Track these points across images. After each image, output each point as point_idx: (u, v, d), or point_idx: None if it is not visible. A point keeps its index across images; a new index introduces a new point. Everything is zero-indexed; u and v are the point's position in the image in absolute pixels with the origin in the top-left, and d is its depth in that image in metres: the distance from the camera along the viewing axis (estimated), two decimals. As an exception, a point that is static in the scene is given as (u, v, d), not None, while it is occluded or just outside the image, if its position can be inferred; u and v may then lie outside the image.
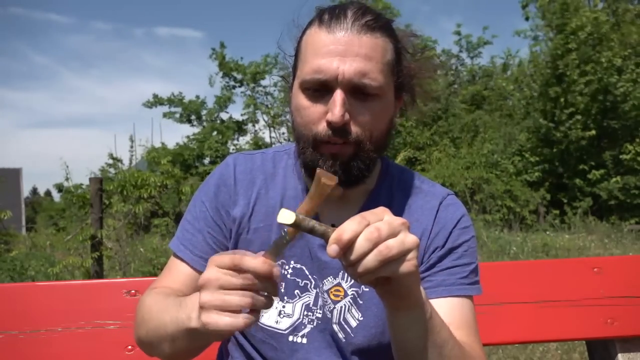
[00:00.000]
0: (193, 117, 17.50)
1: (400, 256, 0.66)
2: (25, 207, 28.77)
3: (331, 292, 0.97)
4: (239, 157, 1.05)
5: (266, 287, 0.68)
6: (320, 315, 0.97)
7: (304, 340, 0.96)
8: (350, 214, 0.68)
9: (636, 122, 15.31)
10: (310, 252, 0.97)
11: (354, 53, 0.85)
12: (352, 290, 0.97)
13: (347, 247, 0.64)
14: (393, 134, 1.02)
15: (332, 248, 0.64)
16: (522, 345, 3.61)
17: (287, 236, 0.68)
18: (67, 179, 6.38)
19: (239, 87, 17.23)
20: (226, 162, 1.04)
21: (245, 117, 16.93)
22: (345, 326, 0.96)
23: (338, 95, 0.85)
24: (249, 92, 16.91)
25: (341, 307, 0.96)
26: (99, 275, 4.96)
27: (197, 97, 17.41)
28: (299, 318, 0.97)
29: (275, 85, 15.91)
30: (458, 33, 19.29)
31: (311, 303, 0.97)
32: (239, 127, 16.95)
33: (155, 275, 5.28)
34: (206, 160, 16.79)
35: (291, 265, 0.98)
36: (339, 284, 0.97)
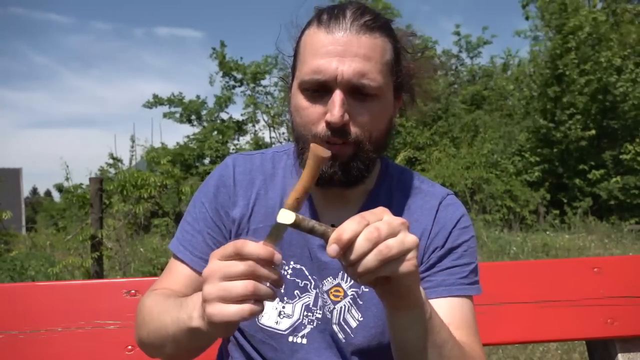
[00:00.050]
0: (193, 117, 17.50)
1: (400, 256, 0.66)
2: (25, 207, 28.77)
3: (331, 292, 0.97)
4: (238, 157, 1.05)
5: (268, 275, 0.68)
6: (320, 316, 0.97)
7: (304, 341, 0.96)
8: (350, 214, 0.68)
9: (636, 122, 15.31)
10: (310, 252, 0.97)
11: (353, 53, 0.85)
12: (352, 291, 0.97)
13: (347, 247, 0.64)
14: (393, 134, 1.02)
15: (332, 248, 0.64)
16: (522, 345, 3.61)
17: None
18: (67, 179, 6.38)
19: (239, 86, 17.24)
20: (225, 162, 1.04)
21: (245, 117, 16.94)
22: (345, 326, 0.96)
23: (337, 96, 0.85)
24: (249, 92, 16.91)
25: (341, 307, 0.96)
26: (99, 275, 4.96)
27: (198, 97, 17.41)
28: (298, 318, 0.97)
29: (275, 85, 15.93)
30: (457, 33, 19.31)
31: (311, 303, 0.97)
32: (239, 127, 16.95)
33: (155, 275, 5.28)
34: (206, 160, 16.79)
35: (291, 266, 0.98)
36: (338, 285, 0.97)
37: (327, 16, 0.88)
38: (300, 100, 0.90)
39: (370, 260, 0.64)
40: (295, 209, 0.68)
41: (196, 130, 17.54)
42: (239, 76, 16.96)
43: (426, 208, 1.00)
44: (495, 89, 18.30)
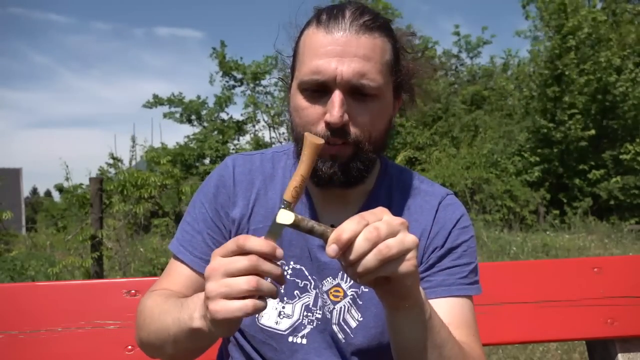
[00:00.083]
0: (193, 117, 17.49)
1: (400, 256, 0.66)
2: (25, 207, 28.76)
3: (331, 292, 0.97)
4: (238, 158, 1.04)
5: (271, 269, 0.68)
6: (319, 316, 0.97)
7: (304, 341, 0.96)
8: (350, 215, 0.68)
9: (636, 122, 15.32)
10: (309, 252, 0.97)
11: (352, 54, 0.85)
12: (352, 291, 0.97)
13: (347, 246, 0.64)
14: (392, 134, 1.03)
15: (332, 248, 0.64)
16: (522, 345, 3.61)
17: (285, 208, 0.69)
18: (67, 179, 6.38)
19: (239, 86, 17.24)
20: (225, 163, 1.04)
21: (245, 116, 16.93)
22: (345, 327, 0.96)
23: (336, 96, 0.85)
24: (249, 92, 16.90)
25: (341, 307, 0.96)
26: (99, 275, 4.96)
27: (198, 97, 17.41)
28: (298, 319, 0.97)
29: (275, 84, 15.92)
30: (457, 34, 19.30)
31: (311, 304, 0.97)
32: (239, 127, 16.94)
33: (156, 275, 5.28)
34: (206, 160, 16.78)
35: (291, 266, 0.98)
36: (338, 285, 0.97)
37: (326, 16, 0.88)
38: (299, 100, 0.90)
39: (369, 260, 0.64)
40: (294, 198, 0.69)
41: (196, 130, 17.55)
42: (239, 76, 16.96)
43: (426, 208, 1.00)
44: (496, 89, 18.30)
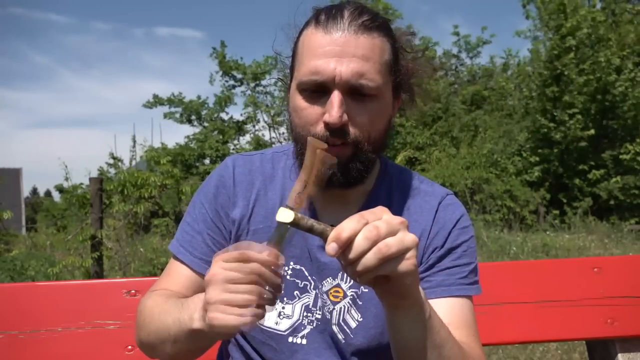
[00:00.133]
0: (193, 117, 17.49)
1: (400, 254, 0.66)
2: (25, 207, 28.76)
3: (330, 293, 0.97)
4: (238, 158, 1.04)
5: (272, 279, 0.68)
6: (319, 316, 0.97)
7: (304, 341, 0.96)
8: (349, 215, 0.68)
9: (635, 122, 15.31)
10: (309, 253, 0.97)
11: (351, 54, 0.85)
12: (352, 291, 0.97)
13: (346, 245, 0.64)
14: (392, 134, 1.02)
15: (331, 246, 0.64)
16: (522, 345, 3.61)
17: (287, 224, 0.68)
18: (66, 179, 6.38)
19: (239, 86, 17.23)
20: (225, 163, 1.04)
21: (245, 116, 16.92)
22: (345, 327, 0.96)
23: (335, 97, 0.85)
24: (249, 92, 16.89)
25: (340, 308, 0.96)
26: (99, 275, 4.96)
27: (198, 97, 17.40)
28: (298, 319, 0.97)
29: (275, 84, 15.91)
30: (456, 34, 19.28)
31: (311, 304, 0.97)
32: (239, 128, 16.93)
33: (155, 275, 5.28)
34: (207, 160, 16.78)
35: (291, 267, 0.98)
36: (338, 285, 0.97)
37: (324, 16, 0.88)
38: (298, 101, 0.90)
39: (369, 259, 0.64)
40: (298, 204, 0.68)
41: (196, 130, 17.55)
42: (239, 76, 16.95)
43: (426, 208, 1.00)
44: (496, 89, 18.29)
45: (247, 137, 17.03)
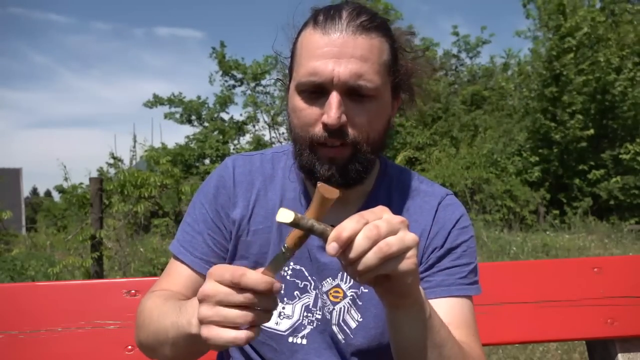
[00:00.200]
0: (193, 117, 17.48)
1: (400, 254, 0.66)
2: (25, 207, 28.76)
3: (330, 293, 0.97)
4: (238, 158, 1.04)
5: (266, 303, 0.67)
6: (319, 317, 0.97)
7: (304, 342, 0.96)
8: (349, 215, 0.68)
9: (635, 122, 15.31)
10: (309, 253, 0.97)
11: (349, 54, 0.85)
12: (351, 292, 0.97)
13: (347, 244, 0.64)
14: (391, 134, 1.02)
15: (332, 246, 0.64)
16: (522, 345, 3.61)
17: (287, 252, 0.68)
18: (65, 179, 6.38)
19: (239, 86, 17.23)
20: (225, 163, 1.04)
21: (245, 116, 16.92)
22: (345, 327, 0.96)
23: (334, 98, 0.85)
24: (249, 92, 16.88)
25: (340, 308, 0.96)
26: (99, 275, 4.97)
27: (198, 97, 17.39)
28: (298, 319, 0.97)
29: (275, 84, 15.91)
30: (456, 34, 19.27)
31: (311, 304, 0.97)
32: (239, 128, 16.93)
33: (155, 275, 5.28)
34: (207, 160, 16.78)
35: (290, 267, 0.98)
36: (338, 285, 0.97)
37: (323, 17, 0.88)
38: (297, 101, 0.89)
39: (370, 258, 0.64)
40: (296, 246, 0.68)
41: (196, 130, 17.55)
42: (239, 75, 16.95)
43: (425, 208, 1.00)
44: (496, 89, 18.29)
45: (247, 137, 17.03)
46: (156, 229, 8.37)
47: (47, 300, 1.27)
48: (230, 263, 0.99)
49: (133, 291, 1.30)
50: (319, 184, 0.67)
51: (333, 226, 0.67)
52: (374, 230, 0.64)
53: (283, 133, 16.48)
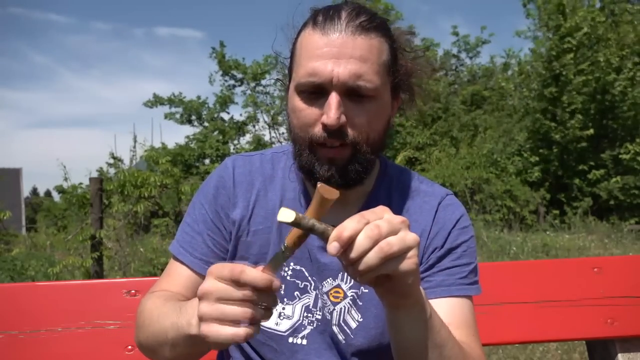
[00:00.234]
0: (194, 117, 17.48)
1: (401, 253, 0.66)
2: (25, 207, 28.76)
3: (331, 293, 0.97)
4: (238, 159, 1.04)
5: (265, 300, 0.68)
6: (320, 317, 0.97)
7: (304, 342, 0.96)
8: (349, 216, 0.68)
9: (635, 122, 15.31)
10: (309, 253, 0.97)
11: (348, 55, 0.85)
12: (352, 292, 0.97)
13: (348, 244, 0.64)
14: (391, 134, 1.02)
15: (333, 246, 0.64)
16: (522, 345, 3.61)
17: (286, 251, 0.68)
18: (65, 179, 6.38)
19: (239, 86, 17.22)
20: (225, 164, 1.04)
21: (245, 116, 16.92)
22: (345, 327, 0.96)
23: (333, 98, 0.85)
24: (249, 92, 16.88)
25: (341, 308, 0.96)
26: (99, 275, 4.97)
27: (198, 97, 17.39)
28: (298, 320, 0.97)
29: (275, 84, 15.90)
30: (455, 34, 19.26)
31: (311, 305, 0.97)
32: (239, 128, 16.92)
33: (155, 275, 5.27)
34: (207, 160, 16.77)
35: (291, 267, 0.98)
36: (338, 286, 0.97)
37: (322, 17, 0.88)
38: (296, 102, 0.89)
39: (371, 258, 0.64)
40: (295, 246, 0.68)
41: (197, 130, 17.54)
42: (239, 75, 16.95)
43: (425, 208, 1.00)
44: (496, 89, 18.28)
45: (248, 137, 17.02)
46: (156, 229, 8.37)
47: (47, 300, 1.27)
48: None
49: (133, 291, 1.30)
50: (319, 185, 0.67)
51: (334, 226, 0.67)
52: (375, 230, 0.64)
53: (283, 133, 16.47)
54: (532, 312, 1.42)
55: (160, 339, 0.84)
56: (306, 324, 0.97)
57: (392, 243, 0.64)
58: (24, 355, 1.23)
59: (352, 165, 0.90)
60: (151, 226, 8.83)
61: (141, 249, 6.38)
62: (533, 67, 16.41)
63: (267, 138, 16.49)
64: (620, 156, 14.88)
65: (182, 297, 0.94)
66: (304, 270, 0.98)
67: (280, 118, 16.05)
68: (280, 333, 0.96)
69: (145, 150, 13.02)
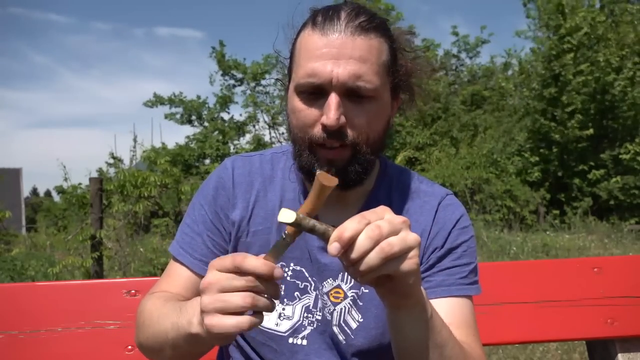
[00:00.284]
0: (194, 117, 17.48)
1: (402, 254, 0.66)
2: (25, 207, 28.77)
3: (331, 294, 0.97)
4: (237, 159, 1.04)
5: (267, 289, 0.68)
6: (320, 317, 0.97)
7: (304, 342, 0.96)
8: (349, 216, 0.68)
9: (635, 122, 15.31)
10: (309, 254, 0.97)
11: (348, 55, 0.84)
12: (352, 292, 0.97)
13: (349, 245, 0.64)
14: (391, 135, 1.03)
15: (334, 246, 0.64)
16: (522, 345, 3.61)
17: (287, 238, 0.68)
18: (65, 179, 6.39)
19: (239, 85, 17.22)
20: (224, 164, 1.04)
21: (245, 116, 16.91)
22: (345, 328, 0.96)
23: (333, 99, 0.85)
24: (249, 92, 16.87)
25: (341, 308, 0.96)
26: (99, 275, 4.97)
27: (198, 97, 17.39)
28: (299, 320, 0.97)
29: (275, 84, 15.88)
30: (455, 34, 19.25)
31: (311, 305, 0.97)
32: (239, 128, 16.92)
33: (156, 275, 5.27)
34: (207, 160, 16.77)
35: (291, 268, 0.98)
36: (338, 286, 0.97)
37: (321, 18, 0.88)
38: (296, 102, 0.89)
39: (372, 258, 0.64)
40: (296, 233, 0.68)
41: (197, 130, 17.54)
42: (239, 75, 16.94)
43: (426, 208, 1.00)
44: (496, 89, 18.28)
45: (248, 137, 17.02)
46: (156, 229, 8.37)
47: (47, 300, 1.27)
48: None
49: (133, 291, 1.30)
50: (318, 172, 0.69)
51: (334, 227, 0.67)
52: (376, 230, 0.64)
53: (283, 133, 16.47)
54: (532, 312, 1.42)
55: (160, 340, 0.84)
56: (306, 325, 0.97)
57: (393, 243, 0.64)
58: (24, 355, 1.23)
59: (352, 166, 0.89)
60: (151, 226, 8.83)
61: (141, 249, 6.38)
62: (533, 67, 16.41)
63: (267, 138, 16.49)
64: (620, 156, 14.88)
65: (182, 297, 0.94)
66: (304, 270, 0.97)
67: (280, 118, 16.04)
68: (280, 333, 0.96)
69: (144, 151, 13.02)
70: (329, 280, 0.97)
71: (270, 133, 16.67)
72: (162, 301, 0.90)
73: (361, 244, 0.64)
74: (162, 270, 1.04)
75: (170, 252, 1.02)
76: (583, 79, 14.73)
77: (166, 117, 17.33)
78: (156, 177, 5.67)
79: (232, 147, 16.73)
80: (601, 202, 14.76)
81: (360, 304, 0.96)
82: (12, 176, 26.38)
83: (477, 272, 1.00)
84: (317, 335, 0.96)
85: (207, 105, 17.32)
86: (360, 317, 0.96)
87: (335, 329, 0.96)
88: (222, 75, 17.01)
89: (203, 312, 0.68)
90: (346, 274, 0.94)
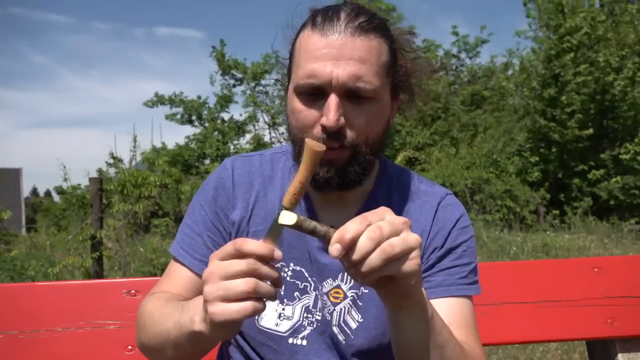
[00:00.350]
0: (194, 117, 17.48)
1: (404, 254, 0.66)
2: (25, 207, 28.77)
3: (331, 294, 0.97)
4: (237, 159, 1.04)
5: (269, 272, 0.68)
6: (319, 318, 0.97)
7: (304, 342, 0.96)
8: (349, 217, 0.68)
9: (635, 122, 15.31)
10: (309, 254, 0.97)
11: (348, 56, 0.84)
12: (352, 292, 0.96)
13: (350, 246, 0.64)
14: (390, 135, 1.03)
15: (335, 247, 0.64)
16: (522, 345, 3.61)
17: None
18: (65, 179, 6.38)
19: (239, 85, 17.21)
20: (224, 165, 1.04)
21: (245, 116, 16.91)
22: (345, 328, 0.96)
23: (332, 100, 0.85)
24: (249, 91, 16.86)
25: (341, 309, 0.96)
26: (99, 275, 4.97)
27: (199, 97, 17.38)
28: (298, 320, 0.97)
29: (275, 84, 15.86)
30: (455, 34, 19.24)
31: (311, 305, 0.97)
32: (239, 128, 16.91)
33: (156, 275, 5.27)
34: (207, 160, 16.77)
35: (290, 268, 0.98)
36: (338, 286, 0.97)
37: (321, 18, 0.87)
38: (295, 103, 0.89)
39: (373, 260, 0.64)
40: (292, 205, 0.69)
41: (197, 130, 17.53)
42: (239, 75, 16.94)
43: (425, 208, 1.00)
44: (496, 89, 18.28)
45: (247, 137, 17.02)
46: (156, 229, 8.36)
47: (47, 300, 1.27)
48: None
49: (133, 291, 1.30)
50: (307, 140, 0.70)
51: (335, 228, 0.67)
52: (377, 231, 0.64)
53: (283, 133, 16.47)
54: (532, 312, 1.42)
55: (162, 340, 0.84)
56: (306, 325, 0.97)
57: (395, 244, 0.64)
58: (24, 355, 1.23)
59: (351, 166, 0.89)
60: (151, 226, 8.82)
61: (141, 249, 6.37)
62: (533, 67, 16.41)
63: (267, 138, 16.49)
64: (620, 156, 14.88)
65: (183, 298, 0.94)
66: (303, 271, 0.97)
67: (280, 118, 16.04)
68: (280, 334, 0.96)
69: (142, 153, 13.03)
70: (328, 280, 0.97)
71: (270, 133, 16.67)
72: (163, 301, 0.90)
73: (362, 245, 0.64)
74: (162, 270, 1.04)
75: (170, 252, 1.02)
76: (583, 79, 14.73)
77: (167, 117, 17.35)
78: (156, 177, 5.67)
79: (232, 147, 16.72)
80: (601, 202, 14.76)
81: (360, 304, 0.96)
82: (12, 176, 26.39)
83: (477, 272, 1.00)
84: (317, 335, 0.96)
85: (207, 105, 17.31)
86: (360, 317, 0.96)
87: (335, 329, 0.96)
88: (222, 75, 17.02)
89: (206, 301, 0.68)
90: (346, 274, 0.94)
